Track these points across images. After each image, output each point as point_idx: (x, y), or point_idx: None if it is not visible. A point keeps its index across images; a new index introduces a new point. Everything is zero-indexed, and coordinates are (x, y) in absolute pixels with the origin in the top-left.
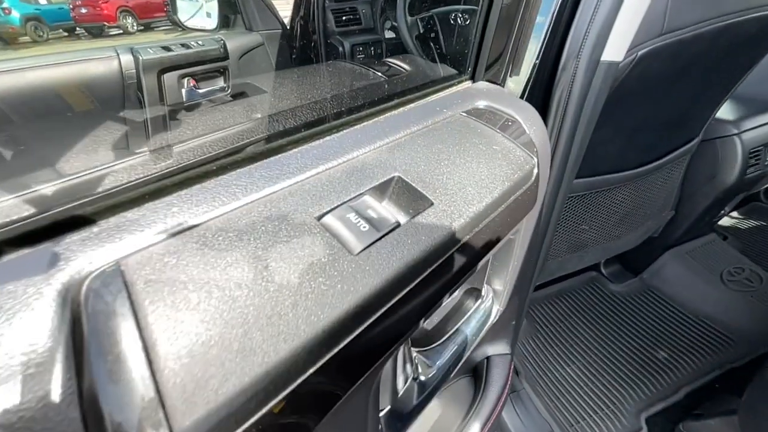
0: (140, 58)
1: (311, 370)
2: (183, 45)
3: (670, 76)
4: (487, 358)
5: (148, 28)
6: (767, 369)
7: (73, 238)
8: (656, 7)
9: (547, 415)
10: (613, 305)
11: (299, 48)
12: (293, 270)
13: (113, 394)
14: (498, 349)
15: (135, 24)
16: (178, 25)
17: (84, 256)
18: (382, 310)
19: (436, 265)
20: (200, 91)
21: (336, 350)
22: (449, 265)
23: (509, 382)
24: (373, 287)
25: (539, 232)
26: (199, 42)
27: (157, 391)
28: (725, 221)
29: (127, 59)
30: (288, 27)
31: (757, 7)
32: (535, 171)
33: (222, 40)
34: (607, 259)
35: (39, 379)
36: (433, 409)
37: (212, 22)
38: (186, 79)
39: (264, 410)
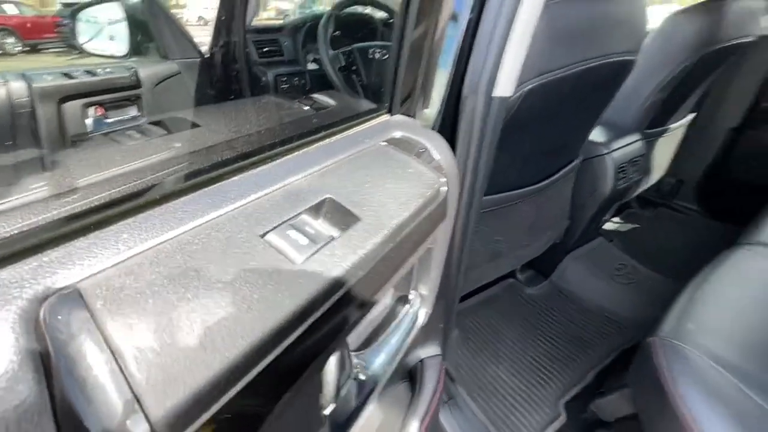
0: (35, 85)
1: (265, 362)
2: (88, 72)
3: (551, 108)
4: (421, 360)
5: (35, 50)
6: (644, 348)
7: (23, 268)
8: (535, 51)
9: (482, 416)
10: (529, 307)
11: (220, 77)
12: (244, 280)
13: (88, 397)
14: (430, 351)
15: (18, 45)
16: (75, 49)
17: (39, 282)
18: (323, 309)
19: (367, 269)
20: (109, 120)
21: (285, 345)
22: (378, 268)
23: (442, 381)
24: (313, 291)
25: (458, 244)
26: (107, 69)
27: (130, 388)
28: (609, 226)
29: (18, 86)
30: (207, 56)
31: (609, 54)
32: (444, 189)
33: (133, 67)
34: (521, 267)
35: (10, 392)
36: (375, 415)
37: (121, 48)
38: (92, 108)
39: (226, 397)
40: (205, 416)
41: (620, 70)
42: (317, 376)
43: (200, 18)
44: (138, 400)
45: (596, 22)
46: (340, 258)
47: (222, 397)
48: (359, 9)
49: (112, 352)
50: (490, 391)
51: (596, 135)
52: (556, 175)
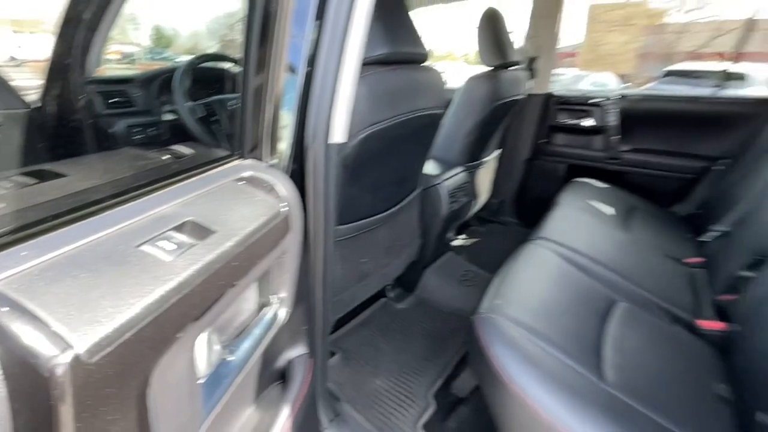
0: None
1: (145, 322)
2: None
3: (389, 149)
4: (290, 361)
5: None
6: (470, 326)
7: None
8: (363, 108)
9: (367, 425)
10: (401, 320)
11: (56, 128)
12: (124, 272)
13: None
14: (297, 351)
15: None
16: None
17: None
18: (189, 288)
19: (223, 262)
20: None
21: (158, 313)
22: (233, 263)
23: (310, 373)
24: (180, 278)
25: (319, 264)
26: None
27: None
28: (457, 242)
29: None
30: (36, 106)
31: (421, 109)
32: (285, 209)
33: None
34: (392, 286)
35: None
36: (254, 414)
37: None
38: None
39: (121, 340)
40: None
41: (433, 120)
42: (189, 345)
43: (12, 58)
44: (62, 337)
45: (407, 86)
46: (200, 256)
47: (119, 339)
48: (216, 63)
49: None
50: (372, 401)
51: (430, 169)
52: (403, 202)
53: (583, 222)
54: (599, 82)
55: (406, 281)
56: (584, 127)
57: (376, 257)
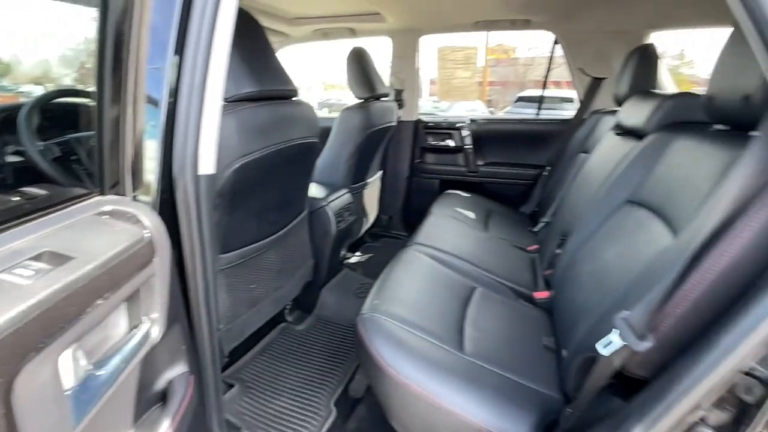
0: None
1: (4, 334)
2: None
3: (265, 177)
4: (170, 381)
5: None
6: (355, 327)
7: None
8: (234, 141)
9: None
10: (301, 341)
11: None
12: None
13: None
14: (177, 371)
15: None
16: None
17: None
18: (45, 308)
19: (83, 282)
20: None
21: (19, 326)
22: (94, 282)
23: (191, 388)
24: (40, 299)
25: (200, 292)
26: None
27: None
28: (354, 259)
29: None
30: None
31: (293, 139)
32: (147, 235)
33: None
34: (290, 309)
35: None
36: None
37: None
38: None
39: None
40: None
41: (308, 147)
42: (53, 357)
43: None
44: None
45: (279, 119)
46: (58, 278)
47: None
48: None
49: None
50: (275, 423)
51: (317, 192)
52: (290, 225)
53: (450, 227)
54: (470, 108)
55: (305, 303)
56: (448, 147)
57: (267, 281)
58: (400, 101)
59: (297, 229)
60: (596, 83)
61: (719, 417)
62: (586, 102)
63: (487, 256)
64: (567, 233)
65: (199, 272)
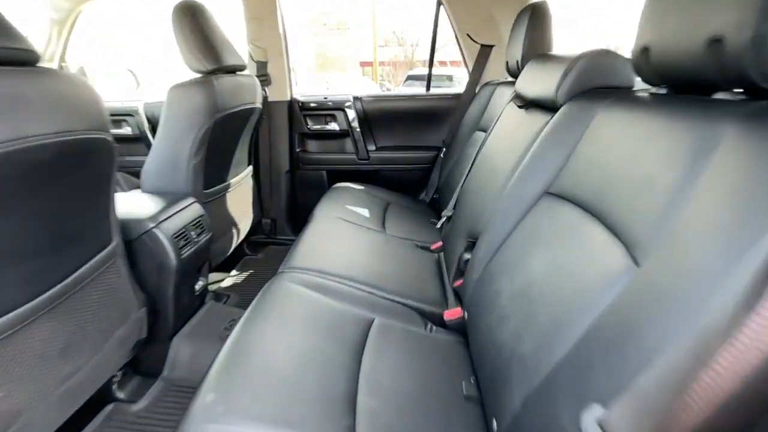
0: None
1: None
2: None
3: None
4: None
5: None
6: None
7: None
8: None
9: None
10: (142, 426)
11: None
12: None
13: None
14: None
15: None
16: None
17: None
18: None
19: None
20: None
21: None
22: None
23: None
24: None
25: None
26: None
27: None
28: (226, 282)
29: None
30: None
31: (49, 135)
32: None
33: None
34: (120, 381)
35: None
36: None
37: None
38: None
39: None
40: None
41: (87, 145)
42: None
43: None
44: None
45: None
46: None
47: None
48: None
49: None
50: None
51: (141, 211)
52: (84, 269)
53: (337, 234)
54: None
55: (145, 365)
56: (332, 131)
57: (39, 374)
58: (264, 77)
59: (107, 270)
60: (485, 51)
61: None
62: (475, 73)
63: (386, 267)
64: (474, 232)
65: None
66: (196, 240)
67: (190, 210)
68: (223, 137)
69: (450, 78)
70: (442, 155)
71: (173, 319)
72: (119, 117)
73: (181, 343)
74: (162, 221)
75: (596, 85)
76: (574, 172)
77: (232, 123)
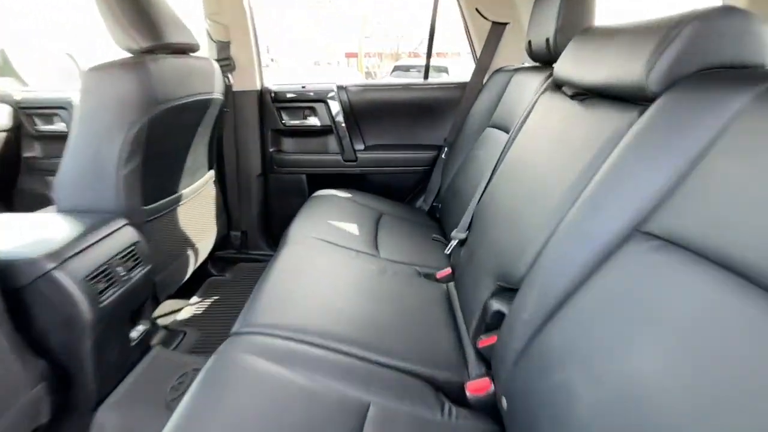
0: None
1: None
2: None
3: None
4: None
5: None
6: None
7: None
8: None
9: None
10: None
11: None
12: None
13: None
14: None
15: None
16: None
17: None
18: None
19: None
20: None
21: None
22: None
23: None
24: None
25: None
26: None
27: None
28: (184, 314)
29: None
30: None
31: None
32: None
33: None
34: None
35: None
36: None
37: None
38: None
39: None
40: None
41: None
42: None
43: None
44: None
45: None
46: None
47: None
48: None
49: None
50: None
51: (34, 245)
52: None
53: (315, 267)
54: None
55: None
56: (312, 127)
57: None
58: (226, 61)
59: None
60: (498, 30)
61: None
62: (485, 57)
63: (384, 312)
64: (507, 274)
65: None
66: (125, 278)
67: (118, 237)
68: (168, 137)
69: (445, 70)
70: (443, 156)
71: (96, 385)
72: (49, 110)
73: (108, 414)
74: (67, 258)
75: (715, 63)
76: (698, 204)
77: (179, 118)
